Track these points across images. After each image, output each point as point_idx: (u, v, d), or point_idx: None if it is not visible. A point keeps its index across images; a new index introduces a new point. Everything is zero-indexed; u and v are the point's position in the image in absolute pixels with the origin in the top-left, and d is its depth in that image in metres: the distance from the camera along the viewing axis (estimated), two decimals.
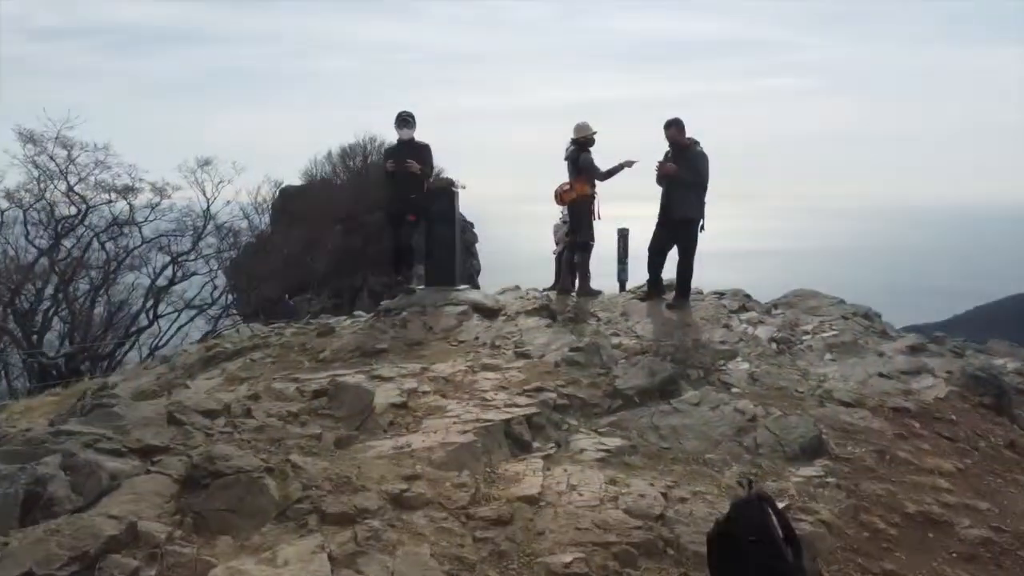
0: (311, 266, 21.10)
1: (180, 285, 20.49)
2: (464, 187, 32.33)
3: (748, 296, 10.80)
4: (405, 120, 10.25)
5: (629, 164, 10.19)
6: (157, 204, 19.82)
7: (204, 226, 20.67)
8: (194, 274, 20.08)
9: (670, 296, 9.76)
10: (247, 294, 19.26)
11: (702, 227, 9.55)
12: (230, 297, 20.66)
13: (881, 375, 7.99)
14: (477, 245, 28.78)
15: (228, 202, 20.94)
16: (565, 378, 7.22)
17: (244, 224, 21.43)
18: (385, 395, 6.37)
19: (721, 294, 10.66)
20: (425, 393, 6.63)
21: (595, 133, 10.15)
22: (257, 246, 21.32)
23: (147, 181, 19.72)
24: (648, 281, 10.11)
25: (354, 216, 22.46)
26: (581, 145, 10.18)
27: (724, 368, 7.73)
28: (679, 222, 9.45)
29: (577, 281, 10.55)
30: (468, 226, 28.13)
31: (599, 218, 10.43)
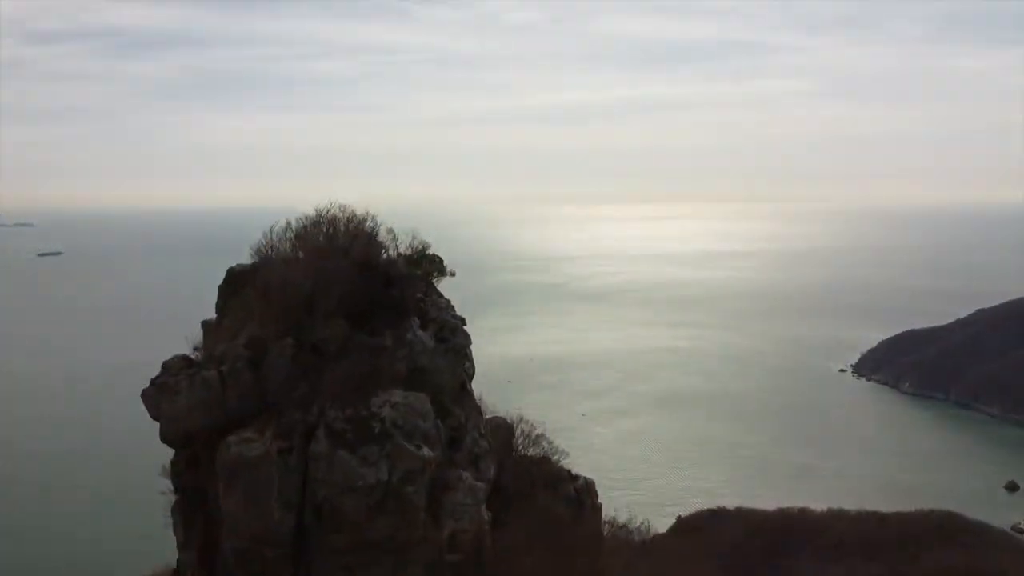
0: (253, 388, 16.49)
1: None
2: (453, 274, 27.27)
3: None
4: None
5: None
6: None
7: None
8: None
9: None
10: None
11: None
12: None
13: None
14: (471, 347, 24.21)
15: None
16: None
17: None
18: None
19: None
20: None
21: None
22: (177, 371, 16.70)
23: None
24: None
25: (310, 322, 18.13)
26: None
27: None
28: None
29: None
30: (459, 322, 23.44)
31: None
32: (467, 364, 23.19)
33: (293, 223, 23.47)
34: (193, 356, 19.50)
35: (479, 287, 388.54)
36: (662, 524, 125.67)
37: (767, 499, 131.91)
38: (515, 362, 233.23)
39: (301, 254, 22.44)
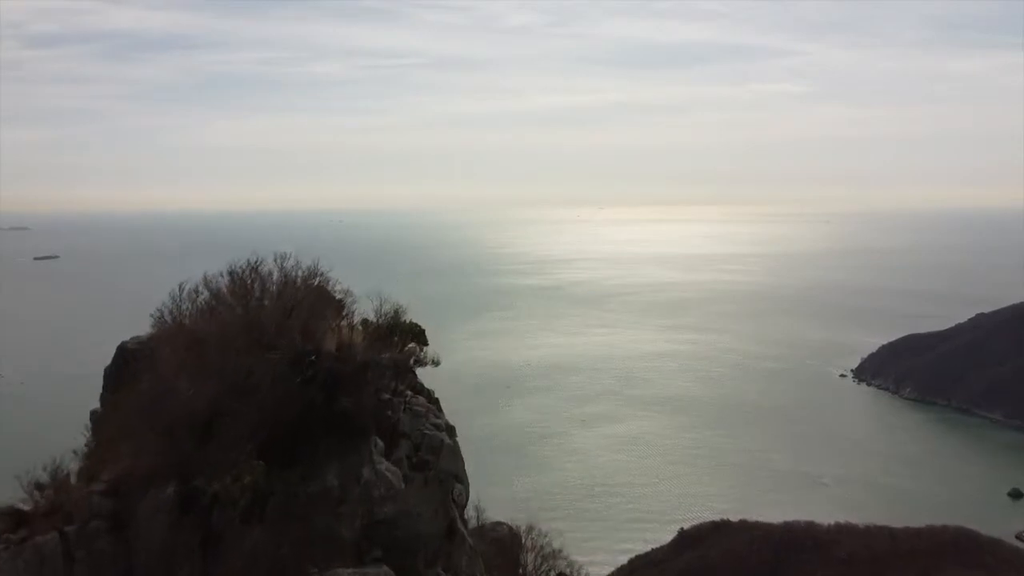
0: None
1: None
2: (437, 363, 21.45)
3: None
4: None
5: None
6: None
7: None
8: None
9: None
10: None
11: None
12: None
13: None
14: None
15: None
16: None
17: None
18: None
19: None
20: None
21: None
22: None
23: None
24: None
25: (207, 457, 10.33)
26: None
27: None
28: None
29: None
30: (445, 434, 16.47)
31: None
32: (458, 490, 15.70)
33: (213, 282, 16.01)
34: (31, 503, 12.47)
35: (477, 289, 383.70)
36: (664, 535, 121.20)
37: (769, 507, 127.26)
38: (512, 366, 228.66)
39: (210, 321, 14.61)
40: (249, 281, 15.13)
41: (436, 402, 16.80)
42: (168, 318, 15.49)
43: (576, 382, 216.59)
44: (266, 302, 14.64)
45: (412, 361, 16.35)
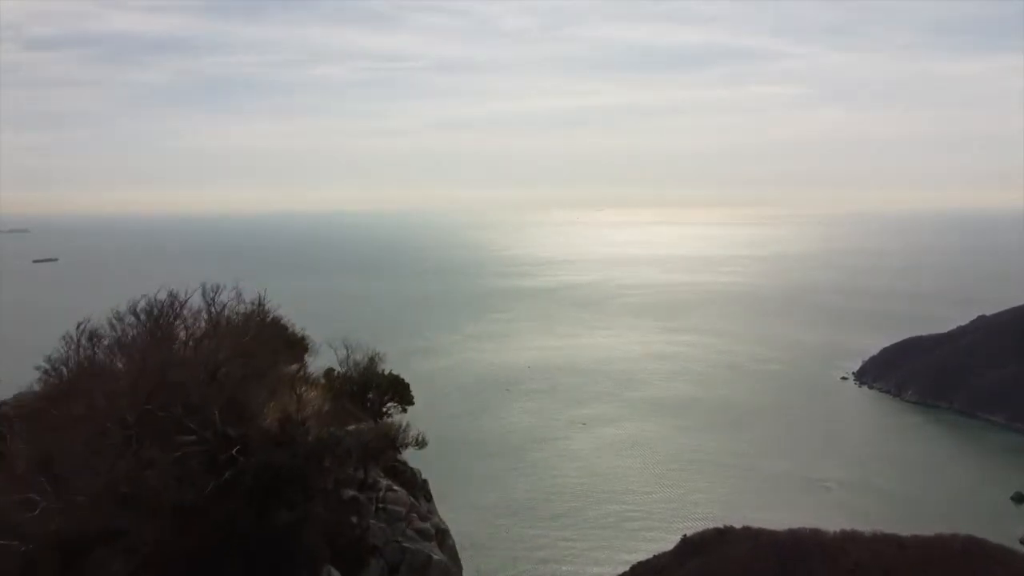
0: None
1: None
2: (422, 444, 17.97)
3: None
4: None
5: None
6: None
7: None
8: None
9: None
10: None
11: None
12: None
13: None
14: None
15: None
16: None
17: None
18: None
19: None
20: None
21: None
22: None
23: None
24: None
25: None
26: None
27: None
28: None
29: None
30: (432, 544, 12.02)
31: None
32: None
33: (124, 320, 11.14)
34: None
35: (478, 290, 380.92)
36: (666, 543, 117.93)
37: (772, 511, 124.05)
38: (512, 369, 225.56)
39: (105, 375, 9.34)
40: (166, 323, 10.13)
41: (424, 486, 11.72)
42: (65, 370, 10.28)
43: (576, 384, 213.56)
44: (181, 344, 9.01)
45: (393, 430, 11.06)
